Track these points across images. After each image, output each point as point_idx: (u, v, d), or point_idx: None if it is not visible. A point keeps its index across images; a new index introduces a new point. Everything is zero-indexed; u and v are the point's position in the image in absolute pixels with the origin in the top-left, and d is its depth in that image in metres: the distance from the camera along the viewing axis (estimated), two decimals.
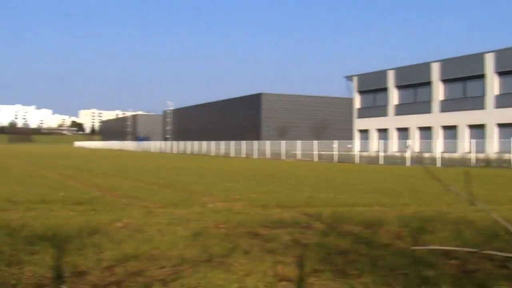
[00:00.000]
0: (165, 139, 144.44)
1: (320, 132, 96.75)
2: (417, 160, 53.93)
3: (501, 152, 56.97)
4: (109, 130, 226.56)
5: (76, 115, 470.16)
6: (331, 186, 24.81)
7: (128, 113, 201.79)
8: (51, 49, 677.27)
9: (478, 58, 67.90)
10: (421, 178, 28.46)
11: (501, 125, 64.98)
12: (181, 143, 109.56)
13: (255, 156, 77.15)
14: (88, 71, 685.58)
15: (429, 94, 74.64)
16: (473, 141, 56.07)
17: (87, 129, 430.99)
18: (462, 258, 8.23)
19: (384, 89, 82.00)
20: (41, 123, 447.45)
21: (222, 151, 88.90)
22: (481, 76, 67.58)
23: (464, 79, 70.23)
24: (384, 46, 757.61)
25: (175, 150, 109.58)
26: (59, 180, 25.55)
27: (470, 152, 56.45)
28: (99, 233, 10.30)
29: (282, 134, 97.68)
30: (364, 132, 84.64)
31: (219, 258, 8.25)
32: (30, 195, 17.81)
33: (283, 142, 73.78)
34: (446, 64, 72.68)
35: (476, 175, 31.45)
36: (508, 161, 48.46)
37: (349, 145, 70.78)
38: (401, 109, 79.04)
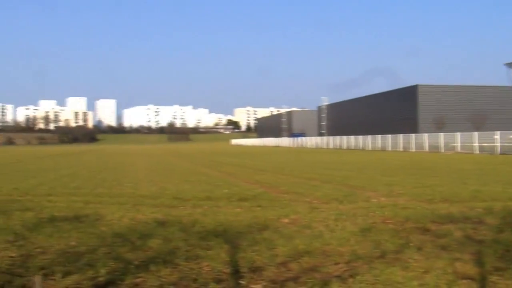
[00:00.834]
0: (321, 134, 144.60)
1: (480, 123, 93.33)
2: None
3: None
4: (264, 127, 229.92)
5: (232, 114, 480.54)
6: (497, 179, 23.79)
7: (283, 110, 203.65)
8: (204, 51, 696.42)
9: None
10: None
11: None
12: (337, 138, 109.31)
13: (413, 149, 75.67)
14: (240, 70, 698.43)
15: None
16: None
17: (243, 127, 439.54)
18: None
19: None
20: (198, 122, 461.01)
21: (379, 145, 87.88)
22: None
23: None
24: None
25: (331, 145, 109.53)
26: (220, 178, 26.11)
27: None
28: (269, 229, 10.44)
29: (440, 126, 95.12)
30: None
31: (392, 254, 8.13)
32: (196, 192, 18.32)
33: (441, 135, 71.81)
34: None
35: None
36: None
37: None
38: None
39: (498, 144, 60.00)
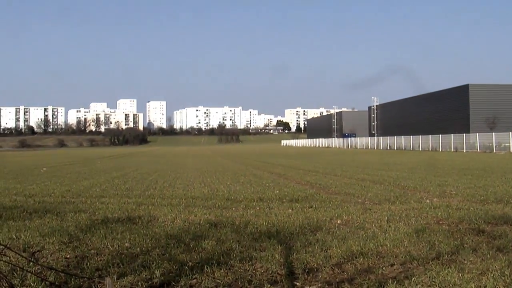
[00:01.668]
0: (371, 134, 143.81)
1: None
2: None
3: None
4: (314, 128, 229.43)
5: (282, 115, 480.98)
6: None
7: (333, 111, 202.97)
8: (254, 52, 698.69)
9: None
10: None
11: None
12: (387, 138, 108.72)
13: (464, 149, 74.73)
14: (290, 71, 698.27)
15: None
16: None
17: (293, 128, 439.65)
18: None
19: None
20: (248, 124, 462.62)
21: (429, 145, 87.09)
22: None
23: None
24: None
25: (381, 146, 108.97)
26: (271, 179, 26.15)
27: None
28: (321, 230, 10.44)
29: (492, 126, 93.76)
30: None
31: (447, 255, 8.06)
32: (247, 193, 18.39)
33: (493, 134, 70.77)
34: None
35: None
36: None
37: None
38: None
39: None
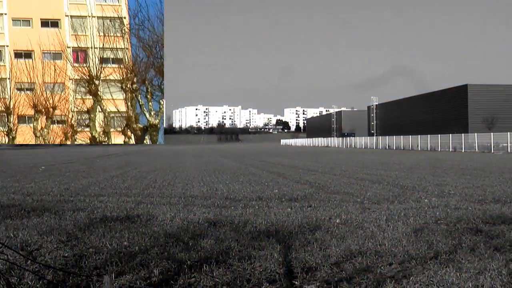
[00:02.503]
0: (370, 134, 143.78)
1: None
2: None
3: None
4: (313, 127, 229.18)
5: (281, 114, 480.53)
6: None
7: (332, 110, 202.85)
8: (255, 51, 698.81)
9: None
10: None
11: None
12: (386, 138, 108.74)
13: (462, 149, 74.80)
14: (291, 72, 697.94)
15: None
16: None
17: (292, 127, 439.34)
18: None
19: None
20: (247, 123, 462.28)
21: (428, 145, 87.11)
22: None
23: None
24: None
25: (380, 145, 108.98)
26: (270, 178, 26.13)
27: None
28: (320, 230, 10.45)
29: (491, 126, 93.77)
30: None
31: (446, 255, 8.08)
32: (246, 193, 18.41)
33: (492, 135, 70.80)
34: None
35: None
36: None
37: None
38: None
39: None
